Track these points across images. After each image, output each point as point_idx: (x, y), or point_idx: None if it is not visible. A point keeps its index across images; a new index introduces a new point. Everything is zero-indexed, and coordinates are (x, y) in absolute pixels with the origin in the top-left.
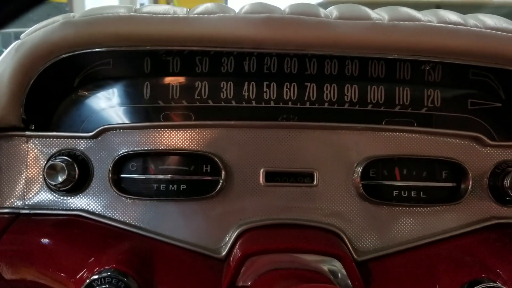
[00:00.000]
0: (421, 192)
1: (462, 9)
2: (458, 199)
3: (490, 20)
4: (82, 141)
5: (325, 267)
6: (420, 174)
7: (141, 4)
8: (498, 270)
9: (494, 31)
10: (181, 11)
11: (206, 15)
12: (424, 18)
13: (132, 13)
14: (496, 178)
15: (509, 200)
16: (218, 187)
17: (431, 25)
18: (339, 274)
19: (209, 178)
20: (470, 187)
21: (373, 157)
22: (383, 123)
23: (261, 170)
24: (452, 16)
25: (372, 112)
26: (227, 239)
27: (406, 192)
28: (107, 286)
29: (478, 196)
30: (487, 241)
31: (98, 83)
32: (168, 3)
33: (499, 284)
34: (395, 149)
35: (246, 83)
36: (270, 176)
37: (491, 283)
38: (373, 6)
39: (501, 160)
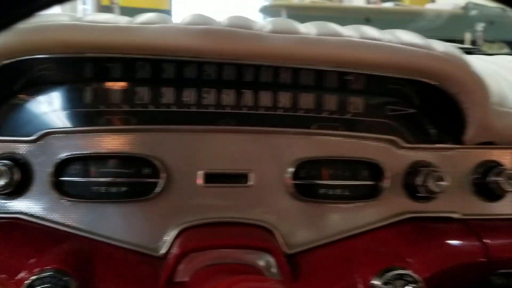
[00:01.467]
0: (346, 190)
1: (405, 16)
2: (376, 195)
3: (406, 36)
4: (23, 145)
5: (260, 262)
6: (345, 174)
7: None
8: (410, 259)
9: (407, 46)
10: (123, 20)
11: (147, 25)
12: (346, 33)
13: (74, 22)
14: (409, 176)
15: (420, 196)
16: (158, 189)
17: (352, 40)
18: (271, 268)
19: (150, 180)
20: (387, 185)
21: (303, 158)
22: (313, 128)
23: (200, 172)
24: (371, 31)
25: (303, 117)
26: (166, 238)
27: (333, 190)
28: (47, 285)
29: (394, 193)
30: (401, 233)
31: (40, 87)
32: (112, 3)
33: (409, 272)
34: (323, 151)
35: (186, 89)
36: (209, 178)
37: (403, 271)
38: (317, 11)
39: (414, 160)
